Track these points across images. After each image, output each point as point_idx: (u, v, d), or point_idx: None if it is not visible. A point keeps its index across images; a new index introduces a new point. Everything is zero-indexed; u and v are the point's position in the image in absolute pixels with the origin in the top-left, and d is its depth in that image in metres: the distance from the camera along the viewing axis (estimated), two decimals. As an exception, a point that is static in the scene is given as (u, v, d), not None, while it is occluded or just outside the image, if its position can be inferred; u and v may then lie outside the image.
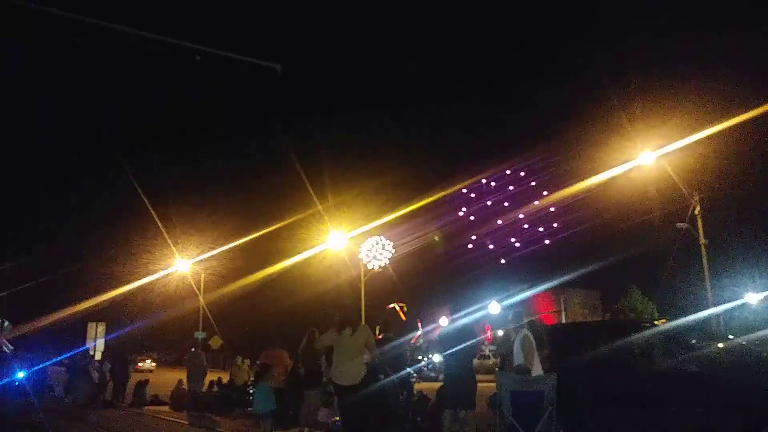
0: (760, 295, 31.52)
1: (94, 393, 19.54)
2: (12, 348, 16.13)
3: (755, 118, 22.11)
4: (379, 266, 36.25)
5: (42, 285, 32.52)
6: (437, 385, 11.45)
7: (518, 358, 8.15)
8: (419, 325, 11.79)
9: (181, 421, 14.84)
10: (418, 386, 12.75)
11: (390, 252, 36.85)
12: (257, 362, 16.80)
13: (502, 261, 52.41)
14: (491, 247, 51.77)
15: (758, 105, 21.93)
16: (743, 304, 31.55)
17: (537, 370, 8.07)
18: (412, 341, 11.72)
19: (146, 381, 20.28)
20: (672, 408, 8.10)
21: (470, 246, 54.49)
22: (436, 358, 27.62)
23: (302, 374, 12.31)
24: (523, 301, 44.84)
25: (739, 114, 22.18)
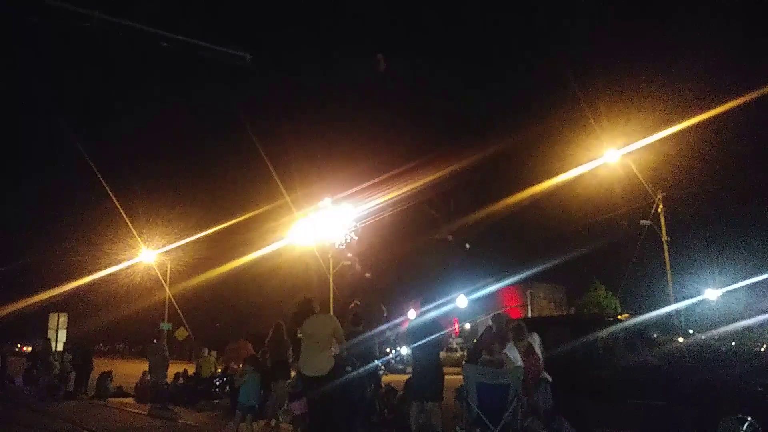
0: (719, 291, 32.32)
1: (56, 384, 19.18)
2: None
3: (717, 117, 22.64)
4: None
5: (1, 275, 31.77)
6: (405, 377, 11.51)
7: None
8: (382, 307, 11.84)
9: (144, 413, 14.66)
10: (386, 378, 12.79)
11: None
12: (224, 355, 16.70)
13: (467, 245, 52.71)
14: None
15: (719, 104, 22.45)
16: (703, 300, 32.35)
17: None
18: (382, 317, 11.69)
19: (109, 372, 19.97)
20: (634, 401, 8.29)
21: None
22: (404, 350, 27.76)
23: (269, 366, 12.28)
24: (490, 295, 45.28)
25: (701, 113, 22.68)
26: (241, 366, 11.40)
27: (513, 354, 8.16)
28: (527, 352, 8.29)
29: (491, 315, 9.93)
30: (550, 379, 8.32)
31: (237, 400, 10.43)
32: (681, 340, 9.59)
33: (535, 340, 8.56)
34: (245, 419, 9.88)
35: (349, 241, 34.72)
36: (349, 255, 35.78)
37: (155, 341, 18.48)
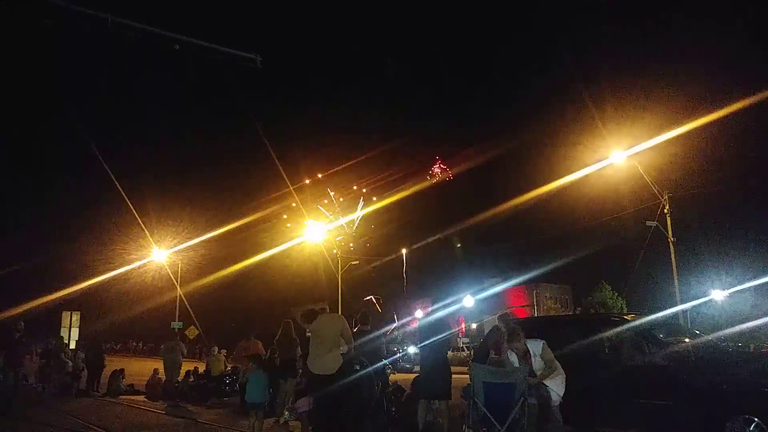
0: (726, 292, 32.26)
1: (68, 382, 19.42)
2: None
3: (724, 118, 22.68)
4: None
5: (15, 273, 32.15)
6: (412, 376, 11.66)
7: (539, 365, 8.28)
8: (395, 317, 12.00)
9: (157, 411, 14.86)
10: (393, 377, 12.95)
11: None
12: (234, 353, 16.90)
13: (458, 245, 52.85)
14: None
15: (725, 106, 22.49)
16: (709, 301, 32.29)
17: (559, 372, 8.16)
18: (388, 333, 11.85)
19: (121, 370, 20.22)
20: (640, 401, 8.37)
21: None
22: (411, 349, 27.93)
23: (278, 364, 12.48)
24: (496, 295, 45.36)
25: (707, 114, 22.74)
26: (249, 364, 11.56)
27: (512, 358, 8.21)
28: (525, 357, 8.10)
29: (498, 315, 10.04)
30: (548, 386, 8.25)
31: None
32: (687, 340, 9.64)
33: (537, 348, 8.22)
34: (256, 416, 10.06)
35: (352, 239, 34.84)
36: (356, 256, 36.01)
37: (176, 339, 18.79)
